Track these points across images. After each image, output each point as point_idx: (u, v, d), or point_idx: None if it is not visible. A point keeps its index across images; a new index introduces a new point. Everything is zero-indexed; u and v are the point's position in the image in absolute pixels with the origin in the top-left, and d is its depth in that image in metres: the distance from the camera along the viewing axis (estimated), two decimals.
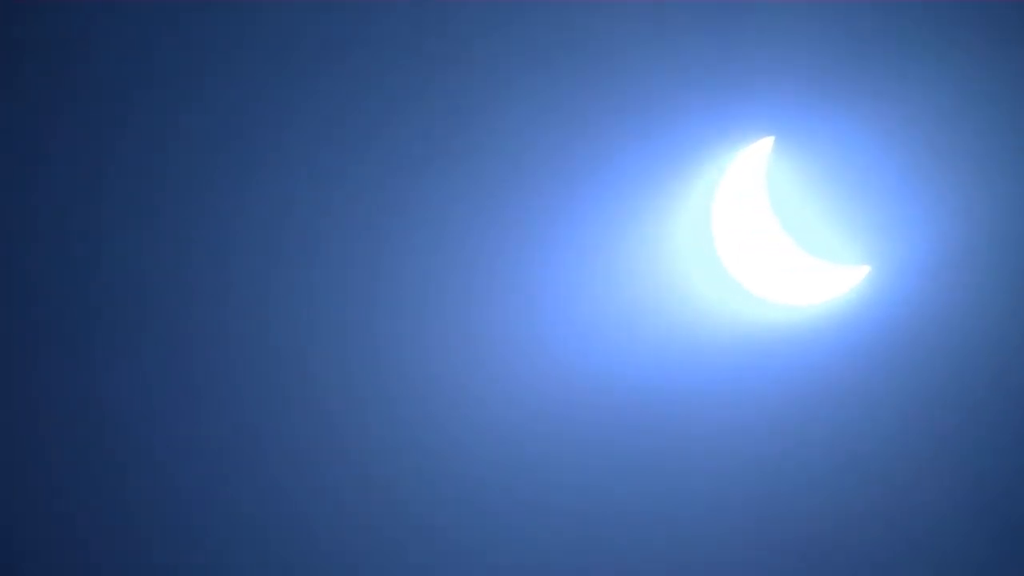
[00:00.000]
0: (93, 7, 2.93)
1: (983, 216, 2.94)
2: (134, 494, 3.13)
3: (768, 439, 3.07)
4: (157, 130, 2.99)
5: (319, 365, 3.08)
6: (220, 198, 3.00)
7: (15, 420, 3.07)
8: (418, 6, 2.92)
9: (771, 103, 2.92)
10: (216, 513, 3.13)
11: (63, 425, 3.10)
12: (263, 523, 3.13)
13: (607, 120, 2.94)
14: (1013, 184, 2.93)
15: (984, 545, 3.08)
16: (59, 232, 3.03)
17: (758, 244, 3.00)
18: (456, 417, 3.10)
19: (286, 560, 3.14)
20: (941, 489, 3.07)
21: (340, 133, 2.99)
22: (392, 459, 3.13)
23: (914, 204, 2.91)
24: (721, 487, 3.09)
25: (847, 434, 3.07)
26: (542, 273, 3.04)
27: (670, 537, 3.12)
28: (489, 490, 3.13)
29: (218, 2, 2.91)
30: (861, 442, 3.08)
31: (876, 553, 3.09)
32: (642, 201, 3.00)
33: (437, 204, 3.02)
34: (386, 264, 3.04)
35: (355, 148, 3.00)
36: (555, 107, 2.96)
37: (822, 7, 2.88)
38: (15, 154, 2.98)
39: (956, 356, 3.02)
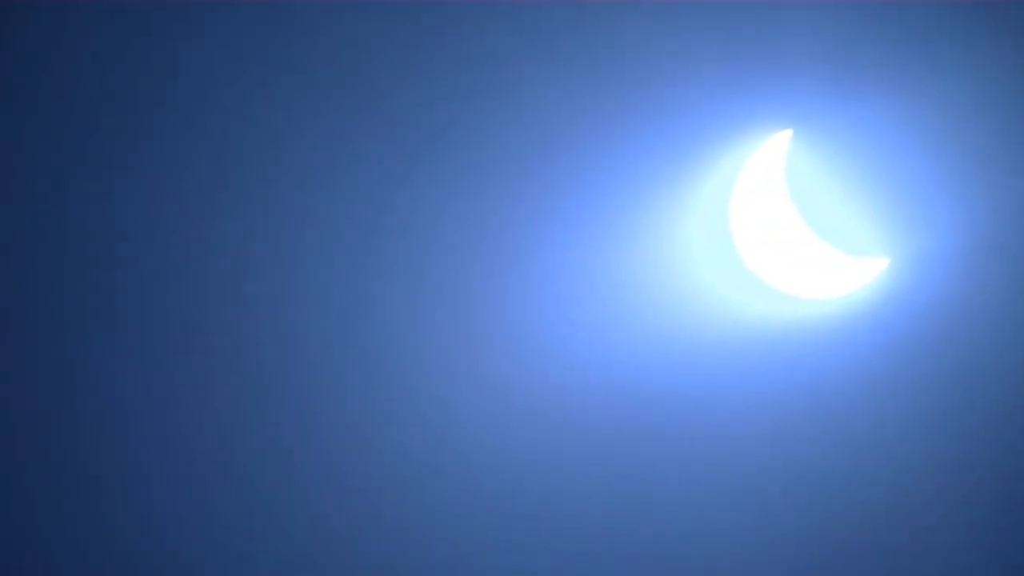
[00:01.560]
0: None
1: (1011, 208, 2.91)
2: (108, 502, 3.09)
3: (789, 442, 3.04)
4: (130, 125, 2.96)
5: (302, 368, 3.03)
6: (198, 191, 2.96)
7: None
8: None
9: (789, 94, 2.89)
10: (195, 520, 3.09)
11: (31, 428, 3.06)
12: (242, 527, 3.09)
13: (617, 110, 2.90)
14: None
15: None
16: (28, 227, 3.01)
17: (776, 238, 2.97)
18: (451, 424, 3.05)
19: (266, 569, 3.11)
20: (974, 497, 3.04)
21: (325, 122, 2.95)
22: (381, 466, 3.08)
23: (938, 196, 2.88)
24: (737, 494, 3.05)
25: (870, 436, 3.04)
26: (547, 272, 2.99)
27: (684, 549, 3.08)
28: (489, 502, 3.08)
29: None
30: (884, 444, 3.04)
31: (907, 565, 3.05)
32: (655, 195, 2.96)
33: (431, 196, 2.97)
34: (375, 260, 2.99)
35: (342, 137, 2.95)
36: (561, 97, 2.92)
37: None
38: None
39: (986, 353, 2.99)
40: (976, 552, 3.05)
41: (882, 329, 2.98)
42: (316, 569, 3.11)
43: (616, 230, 2.97)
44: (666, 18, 2.87)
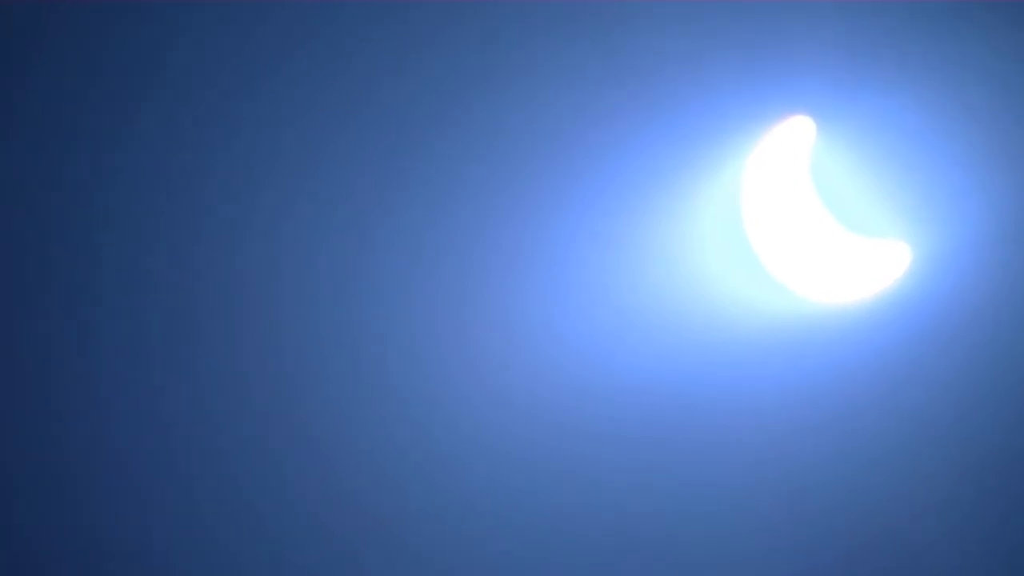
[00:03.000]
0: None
1: None
2: (91, 505, 3.05)
3: (807, 444, 3.01)
4: (116, 122, 2.93)
5: (294, 373, 3.00)
6: (182, 191, 2.93)
7: None
8: None
9: (810, 84, 2.86)
10: (183, 524, 3.05)
11: (10, 431, 3.03)
12: (232, 530, 3.06)
13: (628, 101, 2.87)
14: None
15: None
16: (7, 223, 2.98)
17: (796, 233, 2.93)
18: (449, 428, 3.01)
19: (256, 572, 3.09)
20: (997, 499, 3.02)
21: (316, 107, 2.91)
22: (379, 470, 3.03)
23: (963, 188, 2.87)
24: (749, 502, 3.03)
25: (889, 436, 3.02)
26: (551, 268, 2.95)
27: (696, 551, 3.06)
28: (490, 506, 3.04)
29: None
30: (905, 444, 3.02)
31: (929, 567, 3.03)
32: (668, 190, 2.93)
33: (428, 190, 2.93)
34: (369, 255, 2.95)
35: (334, 124, 2.91)
36: (566, 82, 2.88)
37: None
38: None
39: (1014, 349, 2.97)
40: (996, 555, 3.04)
41: (906, 324, 2.95)
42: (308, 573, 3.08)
43: (627, 227, 2.94)
44: (683, 4, 2.85)
